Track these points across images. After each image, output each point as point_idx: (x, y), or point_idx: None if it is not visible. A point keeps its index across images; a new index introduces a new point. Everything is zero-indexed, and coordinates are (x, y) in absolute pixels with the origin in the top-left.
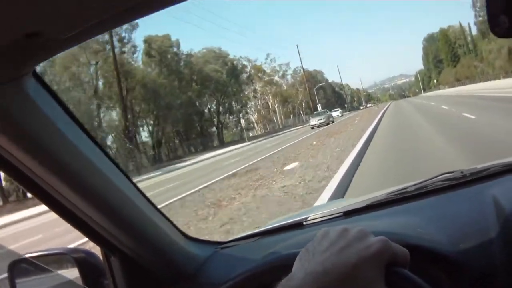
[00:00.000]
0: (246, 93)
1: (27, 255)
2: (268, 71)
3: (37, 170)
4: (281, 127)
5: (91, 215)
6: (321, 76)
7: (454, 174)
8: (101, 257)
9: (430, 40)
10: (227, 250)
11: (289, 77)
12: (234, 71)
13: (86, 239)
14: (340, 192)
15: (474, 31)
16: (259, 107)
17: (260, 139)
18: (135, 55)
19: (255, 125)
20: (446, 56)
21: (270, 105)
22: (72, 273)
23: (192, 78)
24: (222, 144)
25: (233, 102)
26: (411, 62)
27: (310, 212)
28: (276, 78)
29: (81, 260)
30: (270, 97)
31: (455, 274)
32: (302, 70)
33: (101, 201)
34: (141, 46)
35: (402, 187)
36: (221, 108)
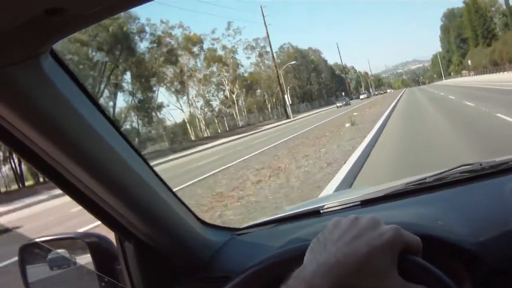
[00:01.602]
0: (171, 75)
1: (37, 239)
2: (229, 46)
3: (52, 152)
4: (227, 130)
5: (106, 199)
6: (317, 56)
7: (473, 166)
8: (114, 242)
9: (450, 17)
10: (243, 237)
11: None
12: (123, 42)
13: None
14: None
15: None
16: (197, 98)
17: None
18: None
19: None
20: (474, 33)
21: (228, 95)
22: (84, 258)
23: None
24: None
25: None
26: (425, 47)
27: (327, 200)
28: (252, 57)
29: (94, 245)
30: (227, 82)
31: (474, 267)
32: (270, 45)
33: (117, 184)
34: None
35: (420, 178)
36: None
